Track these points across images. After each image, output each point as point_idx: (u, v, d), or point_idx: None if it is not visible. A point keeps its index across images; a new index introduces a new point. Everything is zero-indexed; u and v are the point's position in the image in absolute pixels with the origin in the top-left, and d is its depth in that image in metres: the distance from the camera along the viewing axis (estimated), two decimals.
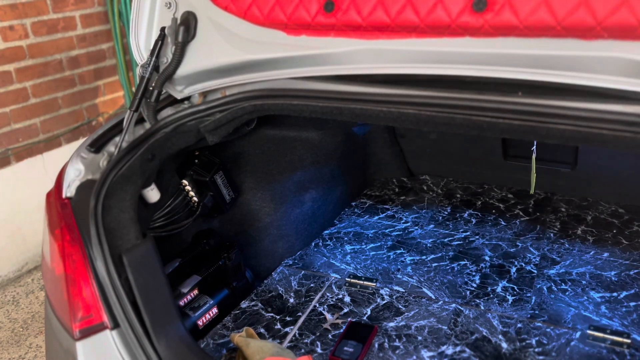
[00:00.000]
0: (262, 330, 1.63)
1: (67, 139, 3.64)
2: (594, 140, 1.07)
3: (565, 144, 2.07)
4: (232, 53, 1.41)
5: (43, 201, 3.45)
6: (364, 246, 2.04)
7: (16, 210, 3.36)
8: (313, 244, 2.07)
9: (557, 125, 1.08)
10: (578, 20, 1.02)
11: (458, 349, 1.50)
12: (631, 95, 1.05)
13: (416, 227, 2.14)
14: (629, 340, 1.46)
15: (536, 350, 1.47)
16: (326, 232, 2.15)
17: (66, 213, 1.31)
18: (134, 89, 3.89)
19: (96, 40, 3.75)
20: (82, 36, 3.65)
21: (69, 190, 1.36)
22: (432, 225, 2.14)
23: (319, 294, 1.77)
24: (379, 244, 2.04)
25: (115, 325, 1.21)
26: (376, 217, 2.24)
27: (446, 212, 2.23)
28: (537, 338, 1.51)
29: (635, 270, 1.77)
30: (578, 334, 1.51)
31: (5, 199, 3.30)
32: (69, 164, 1.38)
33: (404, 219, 2.21)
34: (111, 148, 1.44)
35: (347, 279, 1.83)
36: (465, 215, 2.20)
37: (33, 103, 3.42)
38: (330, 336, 1.58)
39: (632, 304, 1.62)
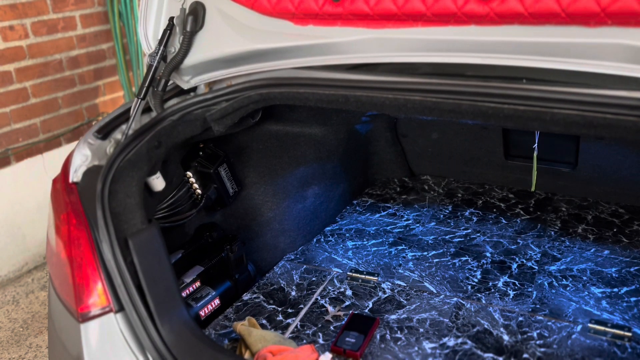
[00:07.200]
0: (264, 321, 1.63)
1: (67, 139, 3.64)
2: (597, 125, 1.08)
3: (566, 143, 2.13)
4: (239, 43, 1.42)
5: (43, 201, 3.40)
6: (366, 242, 2.04)
7: (16, 210, 3.35)
8: (315, 240, 2.08)
9: (561, 110, 1.10)
10: (582, 7, 1.04)
11: (460, 340, 1.50)
12: (634, 81, 1.07)
13: (417, 225, 2.14)
14: (629, 334, 1.47)
15: (537, 342, 1.47)
16: (328, 228, 2.16)
17: (73, 198, 1.32)
18: (134, 89, 3.90)
19: (96, 40, 3.76)
20: (82, 36, 3.66)
21: (75, 176, 1.36)
22: (433, 223, 2.15)
23: (321, 287, 1.78)
24: (381, 240, 2.05)
25: (120, 308, 1.21)
26: (377, 215, 2.25)
27: (447, 211, 2.24)
28: (538, 331, 1.52)
29: (636, 267, 1.78)
30: (579, 327, 1.52)
31: (5, 199, 3.29)
32: (76, 150, 1.39)
33: (406, 216, 2.22)
34: (118, 135, 1.45)
35: (348, 273, 1.84)
36: (467, 213, 2.21)
37: (33, 103, 3.42)
38: (332, 328, 1.59)
39: (632, 299, 1.63)
